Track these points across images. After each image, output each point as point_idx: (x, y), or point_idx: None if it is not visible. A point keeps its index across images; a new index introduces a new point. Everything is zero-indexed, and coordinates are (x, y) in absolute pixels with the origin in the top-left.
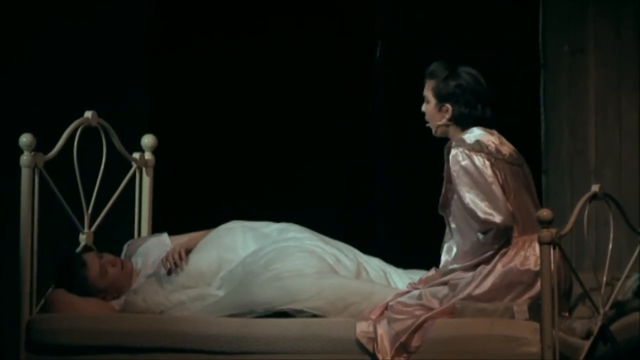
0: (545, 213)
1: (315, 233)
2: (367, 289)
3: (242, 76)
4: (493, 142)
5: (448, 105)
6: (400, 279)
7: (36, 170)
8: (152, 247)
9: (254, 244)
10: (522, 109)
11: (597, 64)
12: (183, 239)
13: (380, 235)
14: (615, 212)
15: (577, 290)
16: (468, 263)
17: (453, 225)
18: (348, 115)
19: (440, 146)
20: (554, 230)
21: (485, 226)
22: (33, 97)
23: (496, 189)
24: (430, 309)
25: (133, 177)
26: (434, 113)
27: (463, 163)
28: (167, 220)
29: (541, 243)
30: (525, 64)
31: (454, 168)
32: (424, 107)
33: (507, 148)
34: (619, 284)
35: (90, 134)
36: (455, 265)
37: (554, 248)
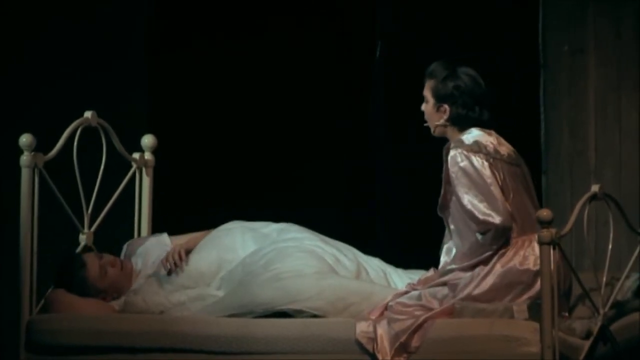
0: (545, 213)
1: (315, 233)
2: (367, 289)
3: (242, 76)
4: (491, 143)
5: (446, 106)
6: (400, 279)
7: (36, 170)
8: (151, 248)
9: (253, 245)
10: (522, 109)
11: (597, 64)
12: (183, 239)
13: (380, 235)
14: (615, 212)
15: (577, 290)
16: (466, 263)
17: (452, 227)
18: (348, 115)
19: (440, 146)
20: (553, 231)
21: (484, 227)
22: (33, 97)
23: (495, 189)
24: (430, 309)
25: (133, 177)
26: (432, 113)
27: (462, 164)
28: (167, 220)
29: (541, 243)
30: (525, 64)
31: (452, 169)
32: (423, 107)
33: (505, 148)
34: (619, 284)
35: (90, 134)
36: (453, 266)
37: (554, 248)
